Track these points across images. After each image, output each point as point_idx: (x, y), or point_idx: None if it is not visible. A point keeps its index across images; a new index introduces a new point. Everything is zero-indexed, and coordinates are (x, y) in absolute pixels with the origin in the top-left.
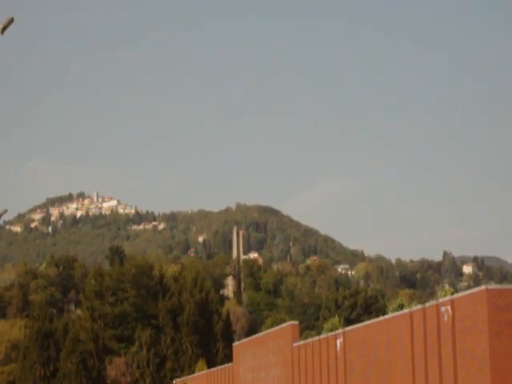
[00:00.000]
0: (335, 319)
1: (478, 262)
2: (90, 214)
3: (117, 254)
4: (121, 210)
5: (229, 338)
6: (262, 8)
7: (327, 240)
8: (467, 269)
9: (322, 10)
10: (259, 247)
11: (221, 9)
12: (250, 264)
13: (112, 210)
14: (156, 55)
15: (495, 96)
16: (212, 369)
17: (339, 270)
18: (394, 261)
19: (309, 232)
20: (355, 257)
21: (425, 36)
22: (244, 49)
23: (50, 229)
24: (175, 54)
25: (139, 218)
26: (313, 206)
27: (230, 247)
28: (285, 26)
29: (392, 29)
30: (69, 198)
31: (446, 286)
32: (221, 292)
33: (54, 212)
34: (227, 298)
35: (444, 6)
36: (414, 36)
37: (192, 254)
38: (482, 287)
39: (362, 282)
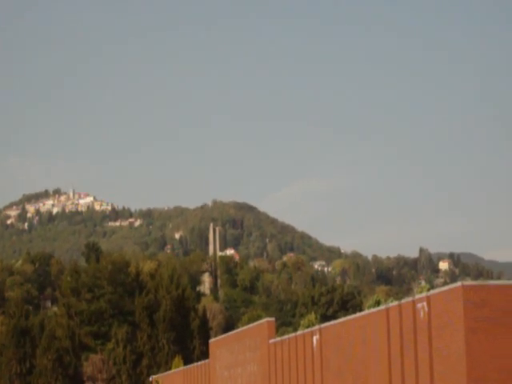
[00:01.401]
0: (312, 316)
1: (454, 258)
2: (67, 210)
3: (93, 251)
4: (97, 207)
5: (205, 334)
6: (258, 8)
7: (304, 237)
8: (443, 265)
9: (309, 9)
10: (236, 244)
11: (221, 9)
12: (227, 261)
13: (88, 207)
14: (142, 58)
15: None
16: (188, 365)
17: (316, 266)
18: (370, 257)
19: (285, 229)
20: (332, 253)
21: (424, 36)
22: (228, 46)
23: (26, 225)
24: (158, 59)
25: (115, 214)
26: (289, 202)
27: (207, 244)
28: (271, 24)
29: (391, 28)
30: (45, 195)
31: (423, 283)
32: (197, 289)
33: (30, 208)
34: (204, 294)
35: (444, 6)
36: (413, 35)
37: (168, 251)
38: (458, 283)
39: (338, 279)
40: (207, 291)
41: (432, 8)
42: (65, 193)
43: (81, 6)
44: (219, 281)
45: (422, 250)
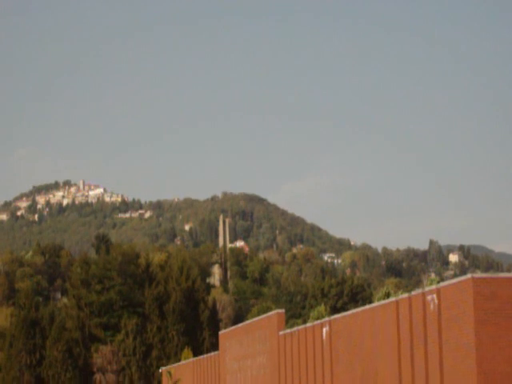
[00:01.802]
0: (321, 308)
1: (464, 250)
2: (77, 201)
3: (103, 242)
4: (107, 198)
5: (215, 326)
6: (255, 8)
7: (313, 229)
8: (453, 257)
9: (312, 8)
10: (245, 235)
11: (220, 9)
12: (237, 252)
13: (98, 198)
14: (142, 51)
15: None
16: (198, 357)
17: (325, 258)
18: (380, 249)
19: (295, 221)
20: (341, 245)
21: (425, 34)
22: (233, 46)
23: (36, 217)
24: (163, 53)
25: (125, 206)
26: (299, 194)
27: (217, 235)
28: (267, 23)
29: (391, 26)
30: (55, 186)
31: (432, 275)
32: (207, 280)
33: (41, 200)
34: (213, 286)
35: (444, 6)
36: (413, 34)
37: (178, 243)
38: (468, 276)
39: (348, 271)
40: (217, 283)
41: (434, 6)
42: (75, 184)
43: (80, 6)
44: (229, 272)
45: (431, 243)
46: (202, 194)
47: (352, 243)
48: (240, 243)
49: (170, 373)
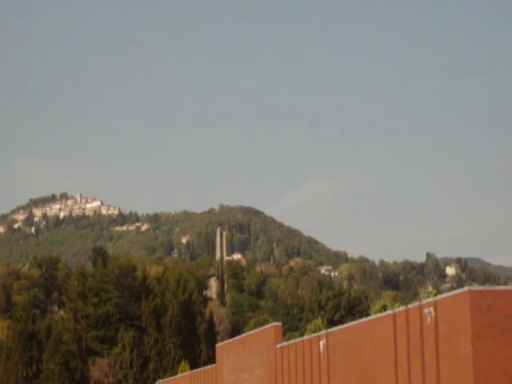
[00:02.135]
0: (318, 320)
1: (461, 263)
2: (73, 214)
3: (100, 255)
4: (104, 211)
5: (212, 339)
6: (256, 11)
7: (310, 241)
8: (450, 270)
9: (314, 10)
10: (242, 248)
11: (220, 10)
12: (234, 265)
13: (95, 211)
14: (139, 56)
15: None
16: (195, 370)
17: (322, 271)
18: (377, 262)
19: (292, 233)
20: (338, 258)
21: (428, 40)
22: (231, 50)
23: (33, 229)
24: (159, 57)
25: (122, 218)
26: (296, 207)
27: (214, 248)
28: (272, 27)
29: (395, 30)
30: (52, 199)
31: (429, 288)
32: (204, 293)
33: (37, 213)
34: (210, 299)
35: (443, 6)
36: (413, 36)
37: (175, 255)
38: (465, 288)
39: (345, 284)
40: (214, 296)
41: (435, 11)
42: (72, 197)
43: (80, 7)
44: (226, 285)
45: (428, 255)
46: (198, 207)
47: (349, 256)
48: (237, 256)
49: None
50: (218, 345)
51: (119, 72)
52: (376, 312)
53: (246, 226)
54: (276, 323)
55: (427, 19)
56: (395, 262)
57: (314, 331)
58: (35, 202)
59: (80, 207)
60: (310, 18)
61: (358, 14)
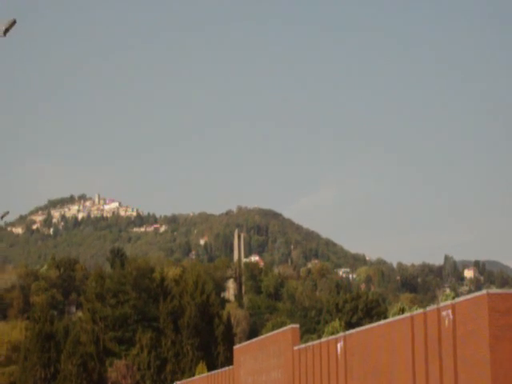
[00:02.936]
0: (336, 323)
1: (479, 266)
2: (92, 215)
3: (118, 257)
4: (122, 213)
5: (229, 341)
6: (258, 12)
7: (328, 243)
8: (468, 273)
9: (314, 12)
10: (260, 250)
11: (220, 12)
12: (251, 267)
13: (113, 212)
14: (159, 59)
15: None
16: (212, 372)
17: (340, 273)
18: (395, 265)
19: (310, 235)
20: (356, 260)
21: (424, 38)
22: (243, 53)
23: (51, 230)
24: (176, 59)
25: (141, 220)
26: (314, 209)
27: (232, 250)
28: (285, 30)
29: (395, 35)
30: (70, 200)
31: (447, 290)
32: (222, 295)
33: (56, 214)
34: (228, 300)
35: (443, 6)
36: (413, 38)
37: (193, 257)
38: (483, 291)
39: (363, 286)
40: (232, 297)
41: (435, 11)
42: (90, 198)
43: (81, 8)
44: (244, 287)
45: (446, 258)
46: (216, 209)
47: (367, 258)
48: (255, 258)
49: None
50: (236, 347)
51: (134, 72)
52: (394, 315)
53: (264, 227)
54: (294, 325)
55: (427, 20)
56: (413, 265)
57: (332, 333)
58: (54, 203)
59: (98, 208)
60: (306, 21)
61: (358, 14)
